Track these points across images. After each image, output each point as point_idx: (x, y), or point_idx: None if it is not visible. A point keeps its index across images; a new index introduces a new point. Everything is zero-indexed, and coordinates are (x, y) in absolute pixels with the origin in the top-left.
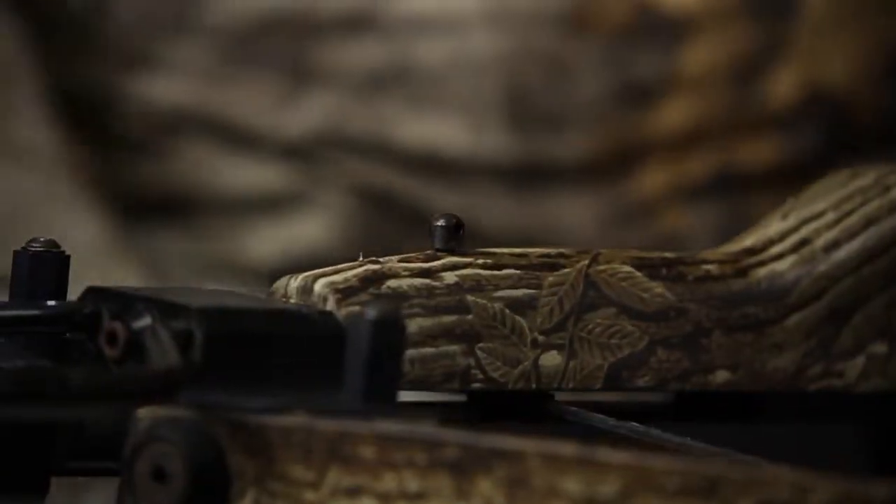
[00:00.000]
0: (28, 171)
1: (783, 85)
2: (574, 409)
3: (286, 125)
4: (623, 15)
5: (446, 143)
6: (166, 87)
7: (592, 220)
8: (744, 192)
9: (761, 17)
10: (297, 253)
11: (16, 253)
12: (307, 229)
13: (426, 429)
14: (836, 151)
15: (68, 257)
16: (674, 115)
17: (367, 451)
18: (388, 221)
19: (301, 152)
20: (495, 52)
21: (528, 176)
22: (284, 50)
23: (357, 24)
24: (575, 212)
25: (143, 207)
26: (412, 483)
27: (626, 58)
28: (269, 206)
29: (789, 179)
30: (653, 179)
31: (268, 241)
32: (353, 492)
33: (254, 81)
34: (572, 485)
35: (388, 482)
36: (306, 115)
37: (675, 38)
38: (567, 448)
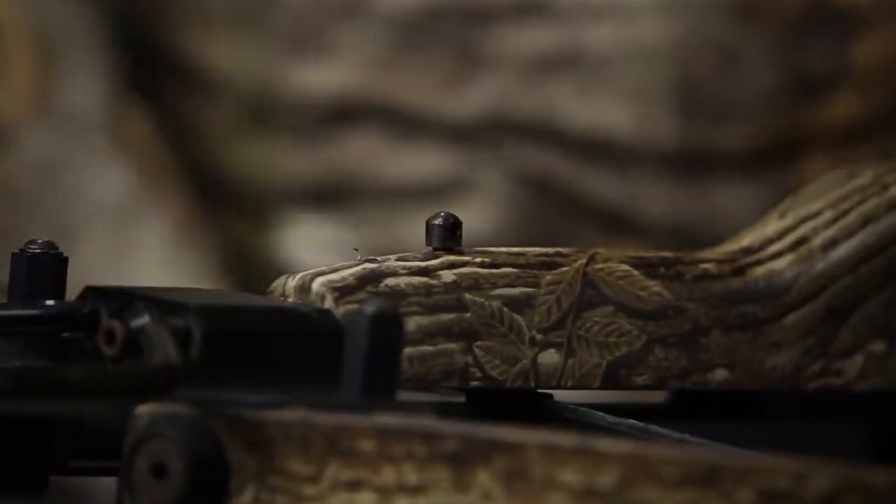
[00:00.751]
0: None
1: None
2: (572, 406)
3: (453, 110)
4: (795, 6)
5: (613, 130)
6: (334, 73)
7: (754, 210)
8: None
9: None
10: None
11: (14, 255)
12: (470, 216)
13: (425, 421)
14: None
15: (66, 258)
16: (841, 109)
17: (366, 445)
18: (550, 208)
19: (467, 138)
20: (665, 39)
21: (692, 165)
22: (454, 35)
23: (527, 10)
24: (737, 201)
25: (300, 196)
26: (411, 476)
27: (796, 50)
28: (432, 193)
29: None
30: (816, 169)
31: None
32: (353, 485)
33: (423, 68)
34: (571, 476)
35: (388, 475)
36: (474, 100)
37: (845, 32)
38: (565, 439)
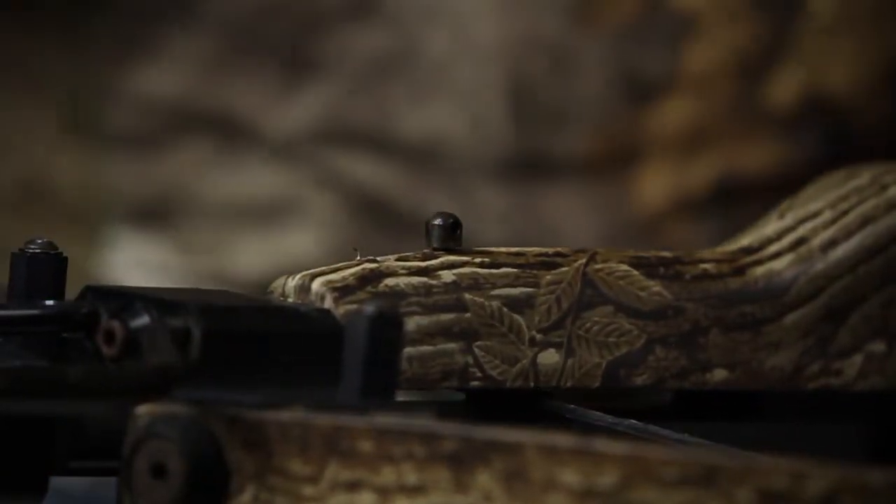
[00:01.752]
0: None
1: (785, 87)
2: (572, 406)
3: (284, 120)
4: (630, 9)
5: (447, 137)
6: (164, 79)
7: (589, 216)
8: (743, 197)
9: (767, 16)
10: (286, 264)
11: (13, 254)
12: (301, 238)
13: (424, 422)
14: (836, 158)
15: (66, 258)
16: (676, 112)
17: (366, 445)
18: (384, 226)
19: (296, 150)
20: (500, 41)
21: (526, 170)
22: (284, 39)
23: (359, 11)
24: (572, 209)
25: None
26: (411, 476)
27: (632, 53)
28: (264, 213)
29: (788, 184)
30: (652, 177)
31: (257, 252)
32: (352, 486)
33: (253, 73)
34: (570, 476)
35: (387, 476)
36: (305, 108)
37: (681, 35)
38: (565, 440)
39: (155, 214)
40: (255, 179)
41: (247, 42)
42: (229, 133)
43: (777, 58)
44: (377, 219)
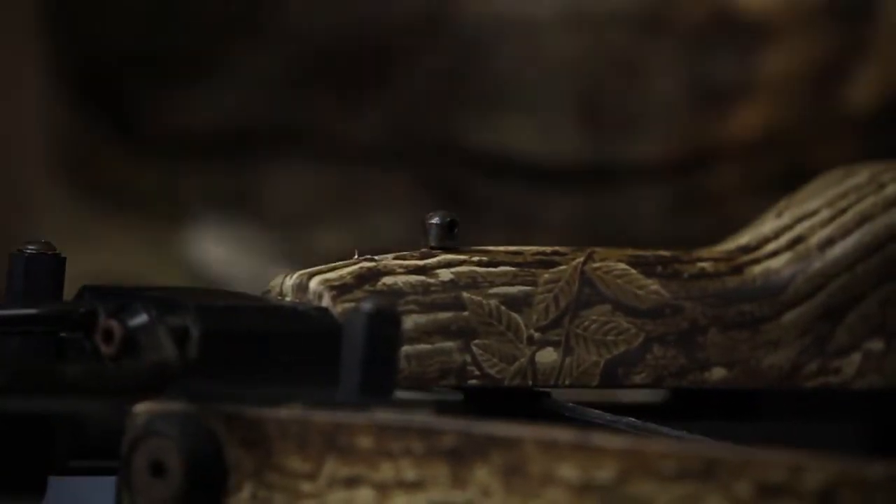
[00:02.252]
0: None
1: (861, 89)
2: (571, 404)
3: (355, 129)
4: (700, 17)
5: (518, 146)
6: (235, 94)
7: (663, 211)
8: None
9: (840, 21)
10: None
11: (12, 255)
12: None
13: (423, 418)
14: None
15: (64, 259)
16: (749, 118)
17: (364, 441)
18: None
19: (369, 154)
20: (569, 54)
21: (599, 176)
22: (356, 55)
23: (429, 26)
24: (646, 206)
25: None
26: (409, 472)
27: (702, 60)
28: (336, 203)
29: None
30: (724, 179)
31: (338, 233)
32: (351, 482)
33: (325, 91)
34: (569, 471)
35: (386, 472)
36: (376, 118)
37: (752, 42)
38: (563, 434)
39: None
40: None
41: (320, 59)
42: (295, 144)
43: (852, 61)
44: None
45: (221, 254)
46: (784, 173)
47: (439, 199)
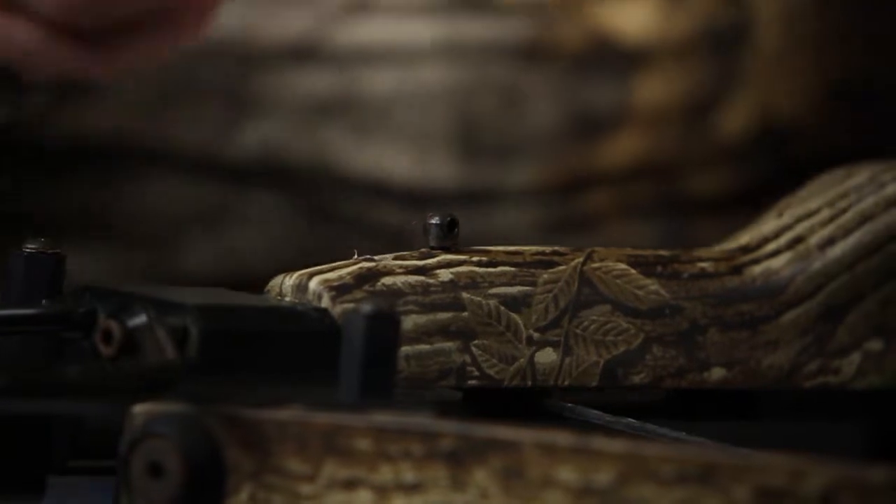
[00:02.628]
0: None
1: (735, 117)
2: (570, 405)
3: (226, 153)
4: (578, 46)
5: (390, 173)
6: (100, 113)
7: (535, 232)
8: (689, 218)
9: (715, 51)
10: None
11: (11, 254)
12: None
13: (422, 420)
14: (784, 179)
15: (64, 258)
16: (624, 145)
17: (363, 444)
18: (327, 231)
19: (240, 176)
20: (446, 83)
21: (473, 200)
22: (227, 78)
23: (301, 52)
24: (519, 227)
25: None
26: (408, 474)
27: (580, 88)
28: (204, 219)
29: (735, 208)
30: (598, 203)
31: (203, 252)
32: (350, 484)
33: (194, 110)
34: (567, 474)
35: (385, 474)
36: (247, 143)
37: (628, 70)
38: (562, 437)
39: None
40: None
41: (188, 82)
42: (164, 164)
43: (726, 88)
44: (318, 225)
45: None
46: (657, 199)
47: (314, 222)
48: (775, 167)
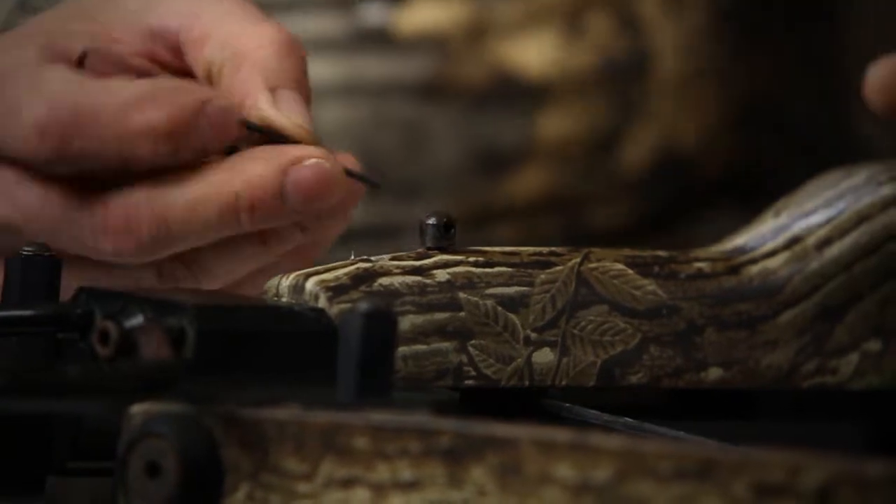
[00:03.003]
0: None
1: (638, 148)
2: (567, 405)
3: None
4: (480, 82)
5: None
6: None
7: None
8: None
9: (616, 84)
10: None
11: (8, 258)
12: None
13: (419, 418)
14: (687, 207)
15: (60, 261)
16: (528, 180)
17: (361, 442)
18: None
19: None
20: (346, 121)
21: (378, 237)
22: None
23: None
24: None
25: None
26: (406, 472)
27: (483, 125)
28: None
29: (640, 238)
30: (503, 238)
31: None
32: (347, 483)
33: None
34: (565, 470)
35: (382, 472)
36: None
37: (531, 106)
38: (560, 434)
39: None
40: None
41: None
42: None
43: (629, 121)
44: None
45: None
46: (563, 232)
47: None
48: (679, 196)
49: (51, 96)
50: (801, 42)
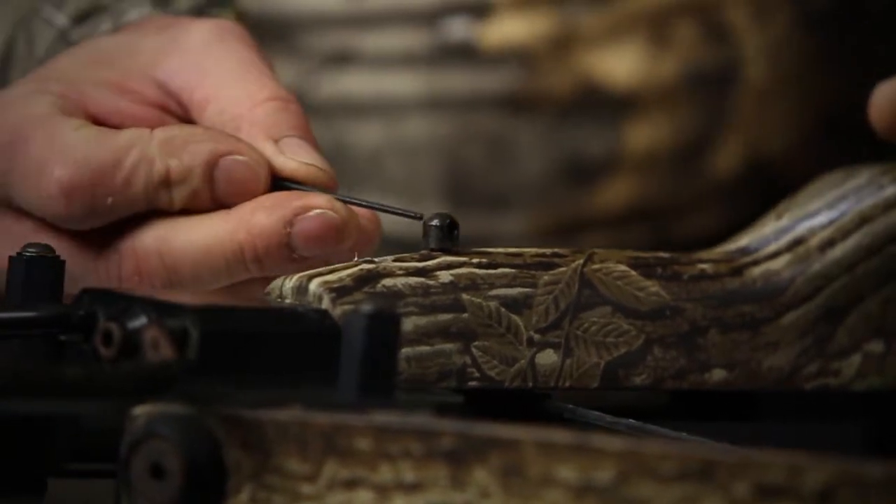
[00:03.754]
0: None
1: (726, 157)
2: (571, 406)
3: None
4: (566, 94)
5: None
6: None
7: None
8: None
9: (703, 93)
10: None
11: (11, 258)
12: None
13: (422, 419)
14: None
15: (63, 262)
16: (615, 191)
17: (364, 443)
18: None
19: None
20: (433, 134)
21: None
22: None
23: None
24: None
25: None
26: (408, 474)
27: (569, 136)
28: None
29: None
30: (591, 246)
31: None
32: (350, 484)
33: None
34: (567, 472)
35: (385, 473)
36: None
37: (618, 116)
38: (562, 435)
39: None
40: None
41: None
42: None
43: (716, 130)
44: None
45: None
46: (651, 243)
47: None
48: (767, 204)
49: (72, 156)
50: (888, 49)
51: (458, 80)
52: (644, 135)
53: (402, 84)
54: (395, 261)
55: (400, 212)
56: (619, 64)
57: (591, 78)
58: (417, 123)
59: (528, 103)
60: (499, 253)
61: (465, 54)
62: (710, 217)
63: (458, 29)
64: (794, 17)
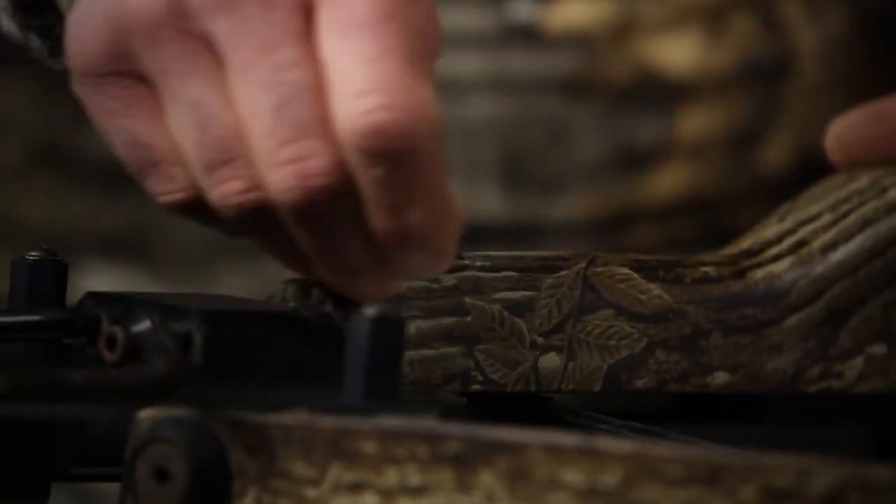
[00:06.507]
0: None
1: (777, 150)
2: (574, 409)
3: None
4: (624, 79)
5: None
6: None
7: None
8: None
9: (758, 83)
10: None
11: (14, 262)
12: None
13: (427, 422)
14: None
15: (66, 265)
16: (668, 180)
17: (369, 447)
18: None
19: None
20: (493, 116)
21: (519, 233)
22: None
23: None
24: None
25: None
26: (414, 477)
27: (625, 122)
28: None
29: None
30: (642, 238)
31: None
32: (355, 487)
33: None
34: (574, 476)
35: (390, 477)
36: None
37: (672, 104)
38: (568, 439)
39: (126, 247)
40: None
41: None
42: None
43: (769, 121)
44: None
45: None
46: (701, 233)
47: None
48: None
49: None
50: None
51: (521, 62)
52: (697, 123)
53: (465, 64)
54: None
55: None
56: (676, 52)
57: (649, 65)
58: (478, 103)
59: (587, 88)
60: (501, 256)
61: (529, 36)
62: (761, 209)
63: (523, 10)
64: (850, 18)
